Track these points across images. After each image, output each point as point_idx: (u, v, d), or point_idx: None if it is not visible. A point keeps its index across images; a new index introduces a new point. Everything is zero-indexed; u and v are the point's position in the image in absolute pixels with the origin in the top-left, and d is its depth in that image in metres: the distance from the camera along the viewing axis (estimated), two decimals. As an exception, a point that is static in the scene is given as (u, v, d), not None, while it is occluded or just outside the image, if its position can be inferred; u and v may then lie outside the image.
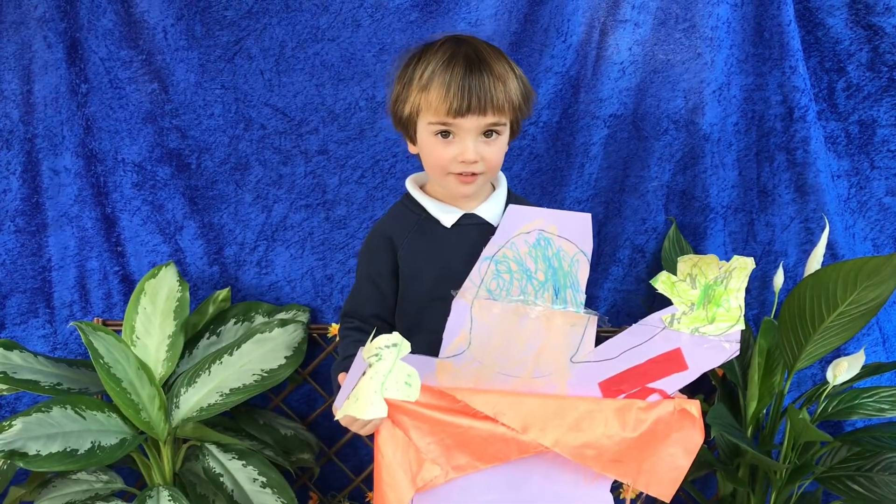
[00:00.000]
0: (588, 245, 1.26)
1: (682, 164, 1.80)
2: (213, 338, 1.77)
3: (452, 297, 1.25)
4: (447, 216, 1.38)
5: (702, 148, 1.78)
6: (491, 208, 1.40)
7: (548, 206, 1.30)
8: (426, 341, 1.29)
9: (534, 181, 1.81)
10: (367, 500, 1.92)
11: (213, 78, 1.78)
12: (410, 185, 1.44)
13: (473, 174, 1.32)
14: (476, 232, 1.36)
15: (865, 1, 1.75)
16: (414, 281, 1.39)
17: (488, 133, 1.31)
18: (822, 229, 1.68)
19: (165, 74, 1.78)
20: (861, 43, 1.78)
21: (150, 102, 1.79)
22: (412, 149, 1.40)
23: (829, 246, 1.77)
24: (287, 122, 1.79)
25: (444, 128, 1.30)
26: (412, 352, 1.19)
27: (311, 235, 1.83)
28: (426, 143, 1.33)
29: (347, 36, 1.76)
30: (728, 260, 1.84)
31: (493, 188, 1.43)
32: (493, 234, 1.27)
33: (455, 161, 1.31)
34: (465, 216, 1.38)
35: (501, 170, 1.42)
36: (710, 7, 1.73)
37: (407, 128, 1.37)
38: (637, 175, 1.80)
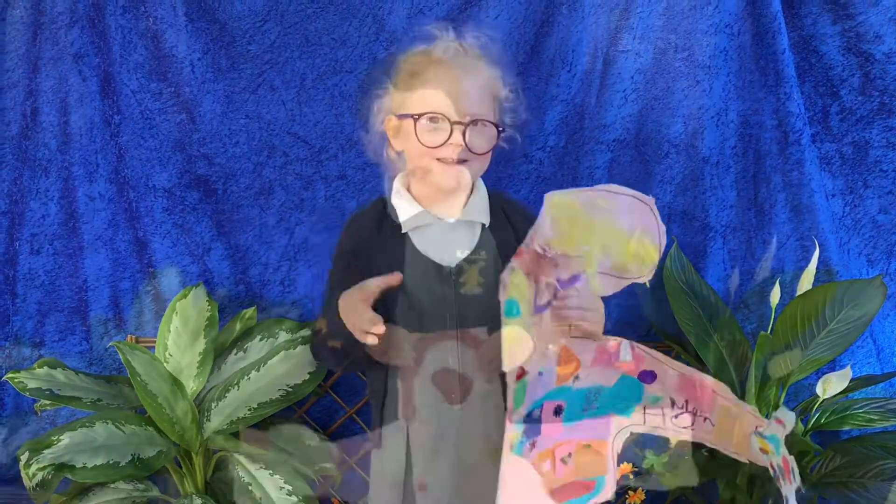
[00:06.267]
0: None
1: (683, 185, 1.89)
2: (241, 353, 1.86)
3: None
4: None
5: (701, 170, 1.87)
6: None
7: None
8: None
9: (541, 204, 1.89)
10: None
11: (238, 108, 1.89)
12: None
13: None
14: None
15: (857, 30, 1.84)
16: None
17: None
18: (817, 246, 1.78)
19: (193, 105, 1.89)
20: (853, 69, 1.87)
21: (179, 132, 1.90)
22: None
23: (825, 262, 1.86)
24: (308, 149, 1.90)
25: None
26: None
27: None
28: None
29: (364, 68, 1.86)
30: (728, 275, 1.93)
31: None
32: None
33: None
34: None
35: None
36: (708, 37, 1.82)
37: None
38: (639, 197, 1.89)
